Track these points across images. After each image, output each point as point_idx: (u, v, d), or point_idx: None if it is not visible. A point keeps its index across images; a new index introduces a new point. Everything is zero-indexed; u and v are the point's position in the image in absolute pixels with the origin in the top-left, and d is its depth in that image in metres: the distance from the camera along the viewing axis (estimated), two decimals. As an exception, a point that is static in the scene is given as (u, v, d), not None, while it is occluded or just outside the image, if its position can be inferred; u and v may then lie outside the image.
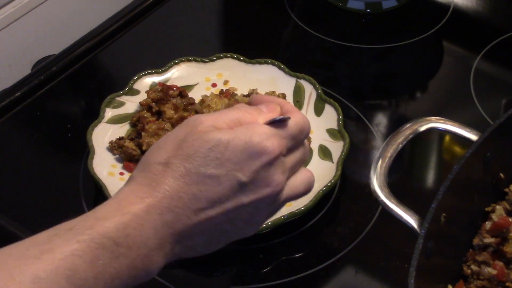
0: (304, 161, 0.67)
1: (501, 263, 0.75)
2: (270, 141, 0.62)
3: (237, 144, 0.61)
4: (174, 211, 0.60)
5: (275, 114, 0.65)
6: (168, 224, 0.60)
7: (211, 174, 0.60)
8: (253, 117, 0.64)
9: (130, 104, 1.00)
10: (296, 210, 0.87)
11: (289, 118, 0.64)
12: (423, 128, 0.82)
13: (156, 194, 0.60)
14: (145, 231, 0.59)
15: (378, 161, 0.79)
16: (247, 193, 0.61)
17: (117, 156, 0.94)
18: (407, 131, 0.81)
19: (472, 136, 0.80)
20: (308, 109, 1.00)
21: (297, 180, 0.66)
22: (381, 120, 1.04)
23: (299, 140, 0.65)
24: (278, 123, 0.63)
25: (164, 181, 0.60)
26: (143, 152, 0.93)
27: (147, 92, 0.99)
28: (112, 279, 0.57)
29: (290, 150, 0.64)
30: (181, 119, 0.95)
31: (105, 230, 0.57)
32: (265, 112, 0.65)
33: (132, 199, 0.60)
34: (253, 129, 0.62)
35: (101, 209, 0.59)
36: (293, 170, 0.65)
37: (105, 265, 0.57)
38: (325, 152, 0.95)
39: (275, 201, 0.64)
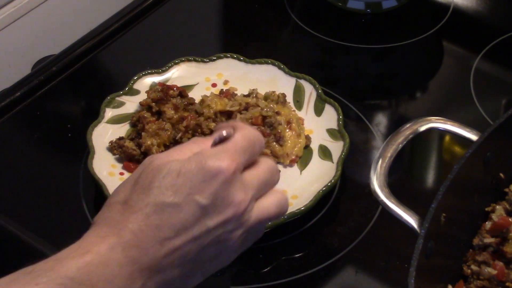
0: (273, 180, 0.65)
1: (501, 263, 0.75)
2: (221, 159, 0.61)
3: (190, 168, 0.60)
4: (139, 245, 0.59)
5: (220, 134, 0.64)
6: (134, 259, 0.58)
7: (170, 202, 0.59)
8: (204, 144, 0.64)
9: (130, 104, 1.00)
10: (296, 210, 0.87)
11: (231, 133, 0.63)
12: (423, 128, 0.82)
13: (118, 231, 0.59)
14: (109, 268, 0.58)
15: (378, 161, 0.79)
16: (210, 215, 0.60)
17: (117, 156, 0.94)
18: (407, 131, 0.81)
19: (472, 136, 0.80)
20: (308, 109, 1.00)
21: (267, 201, 0.64)
22: (381, 120, 1.04)
23: (253, 153, 0.64)
24: (223, 141, 0.63)
25: (125, 218, 0.59)
26: (143, 152, 0.93)
27: (147, 92, 0.99)
28: None
29: (247, 166, 0.63)
30: (181, 119, 0.95)
31: (66, 270, 0.56)
32: (214, 136, 0.64)
33: (93, 239, 0.59)
34: (202, 153, 0.61)
35: (63, 252, 0.58)
36: (259, 189, 0.63)
37: None
38: (325, 152, 0.95)
39: (244, 222, 0.62)
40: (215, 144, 0.63)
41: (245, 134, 0.63)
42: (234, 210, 0.61)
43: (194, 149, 0.63)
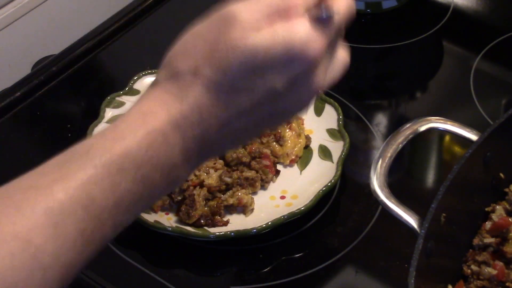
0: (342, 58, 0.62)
1: (501, 263, 0.75)
2: (313, 45, 0.54)
3: (276, 51, 0.54)
4: (203, 125, 0.55)
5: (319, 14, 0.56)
6: (197, 139, 0.55)
7: (246, 87, 0.54)
8: (292, 2, 0.56)
9: (130, 104, 0.99)
10: (296, 210, 0.87)
11: (334, 14, 0.57)
12: (423, 128, 0.82)
13: (185, 108, 0.54)
14: (171, 149, 0.54)
15: (378, 161, 0.79)
16: (278, 103, 0.56)
17: (117, 156, 0.94)
18: (407, 131, 0.81)
19: (472, 136, 0.80)
20: (308, 109, 1.00)
21: (335, 66, 0.61)
22: (381, 120, 1.04)
23: (342, 30, 0.59)
24: (323, 21, 0.56)
25: (193, 93, 0.54)
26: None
27: (147, 92, 0.99)
28: (134, 203, 0.53)
29: (331, 43, 0.59)
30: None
31: (125, 151, 0.53)
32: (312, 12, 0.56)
33: (159, 112, 0.54)
34: (293, 28, 0.54)
35: (122, 125, 0.54)
36: (332, 56, 0.59)
37: (127, 190, 0.52)
38: (325, 152, 0.95)
39: (309, 99, 0.58)
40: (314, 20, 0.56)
41: (343, 12, 0.58)
42: (306, 104, 0.58)
43: (281, 5, 0.55)
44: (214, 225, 0.88)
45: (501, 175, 0.81)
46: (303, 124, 0.99)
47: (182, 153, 0.55)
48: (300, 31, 0.54)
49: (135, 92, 1.01)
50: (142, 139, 0.53)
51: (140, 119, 0.54)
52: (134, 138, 0.53)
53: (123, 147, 0.52)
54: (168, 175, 0.55)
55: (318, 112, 0.99)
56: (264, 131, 0.61)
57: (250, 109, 0.55)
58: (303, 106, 0.58)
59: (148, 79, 1.02)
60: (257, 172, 0.92)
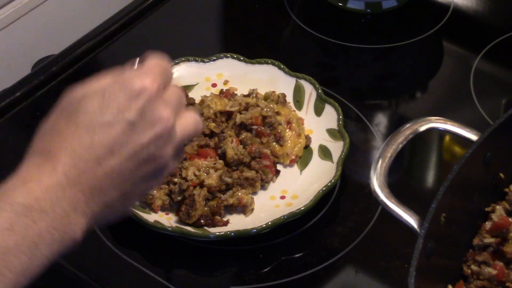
0: (183, 100, 0.67)
1: (501, 263, 0.75)
2: (144, 78, 0.62)
3: (114, 89, 0.62)
4: (76, 166, 0.60)
5: (133, 62, 0.67)
6: (75, 181, 0.60)
7: (100, 122, 0.61)
8: (120, 73, 0.65)
9: (130, 104, 1.00)
10: (296, 210, 0.87)
11: (143, 61, 0.66)
12: (423, 128, 0.82)
13: (53, 157, 0.60)
14: (54, 192, 0.59)
15: (378, 161, 0.79)
16: (141, 131, 0.62)
17: (117, 156, 0.94)
18: (407, 131, 0.81)
19: (472, 136, 0.80)
20: (308, 109, 1.00)
21: (185, 119, 0.66)
22: (381, 120, 1.04)
23: (167, 77, 0.65)
24: (139, 63, 0.66)
25: (57, 143, 0.61)
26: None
27: (147, 92, 0.99)
28: (35, 244, 0.57)
29: (164, 87, 0.65)
30: (181, 119, 0.95)
31: (12, 199, 0.57)
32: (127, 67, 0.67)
33: (31, 169, 0.60)
34: (123, 76, 0.63)
35: (3, 185, 0.60)
36: (177, 108, 0.65)
37: (24, 231, 0.56)
38: (325, 152, 0.95)
39: (172, 138, 0.64)
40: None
41: (157, 60, 0.66)
42: (163, 125, 0.63)
43: (112, 76, 0.64)
44: (214, 225, 0.88)
45: (501, 175, 0.81)
46: (303, 124, 0.99)
47: (65, 196, 0.59)
48: (128, 73, 0.64)
49: (135, 92, 1.01)
50: (23, 187, 0.59)
51: (18, 177, 0.60)
52: (16, 189, 0.59)
53: (8, 197, 0.58)
54: (61, 218, 0.59)
55: (318, 112, 0.99)
56: (147, 180, 0.64)
57: (115, 144, 0.61)
58: (165, 142, 0.63)
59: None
60: (257, 172, 0.92)
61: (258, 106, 0.96)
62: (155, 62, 0.65)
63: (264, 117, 0.95)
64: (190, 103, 0.98)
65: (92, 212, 0.61)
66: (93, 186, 0.60)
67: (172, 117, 0.63)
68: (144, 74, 0.63)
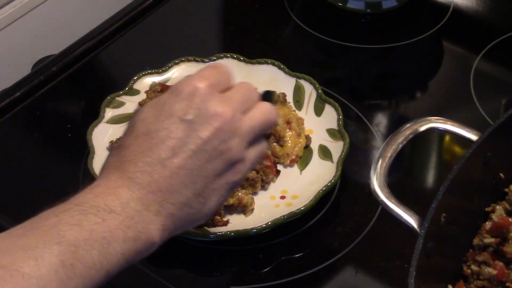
0: (251, 95, 0.68)
1: (501, 263, 0.75)
2: (193, 80, 0.64)
3: (165, 96, 0.65)
4: (141, 170, 0.61)
5: None
6: (142, 183, 0.61)
7: (156, 128, 0.63)
8: None
9: (130, 104, 1.00)
10: (296, 210, 0.87)
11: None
12: (423, 128, 0.82)
13: (118, 167, 0.62)
14: (121, 194, 0.60)
15: (378, 161, 0.79)
16: (199, 128, 0.63)
17: (117, 156, 0.94)
18: (407, 131, 0.81)
19: (472, 136, 0.80)
20: (308, 109, 1.00)
21: (254, 112, 0.67)
22: (381, 120, 1.04)
23: (224, 79, 0.67)
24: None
25: (121, 156, 0.63)
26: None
27: (146, 92, 0.99)
28: (107, 240, 0.58)
29: (220, 87, 0.66)
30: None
31: (80, 201, 0.59)
32: None
33: (99, 181, 0.62)
34: (174, 84, 0.66)
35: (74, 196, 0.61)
36: (242, 103, 0.66)
37: (92, 227, 0.58)
38: (325, 152, 0.95)
39: (236, 130, 0.64)
40: None
41: (211, 66, 0.68)
42: (221, 119, 0.64)
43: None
44: (214, 225, 0.88)
45: (501, 175, 0.81)
46: (303, 124, 0.99)
47: (133, 197, 0.61)
48: (184, 79, 0.66)
49: (135, 92, 1.01)
50: (91, 192, 0.61)
51: (87, 189, 0.62)
52: (85, 194, 0.61)
53: (76, 199, 0.61)
54: (132, 217, 0.60)
55: (318, 112, 0.99)
56: (221, 176, 0.65)
57: (176, 144, 0.62)
58: (231, 134, 0.64)
59: (148, 79, 1.02)
60: (257, 172, 0.92)
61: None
62: (207, 67, 0.67)
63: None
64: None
65: (168, 212, 0.62)
66: (163, 187, 0.61)
67: (229, 110, 0.64)
68: (191, 78, 0.65)
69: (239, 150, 0.65)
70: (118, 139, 0.94)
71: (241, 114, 0.66)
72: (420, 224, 0.72)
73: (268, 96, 0.70)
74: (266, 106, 0.68)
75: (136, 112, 0.66)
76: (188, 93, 0.64)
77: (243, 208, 0.90)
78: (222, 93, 0.66)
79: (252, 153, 0.67)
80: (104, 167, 0.64)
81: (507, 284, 0.74)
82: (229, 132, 0.64)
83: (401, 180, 0.96)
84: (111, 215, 0.59)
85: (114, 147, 0.66)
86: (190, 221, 0.65)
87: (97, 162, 0.91)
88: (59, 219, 0.58)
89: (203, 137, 0.63)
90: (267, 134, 0.70)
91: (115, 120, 0.98)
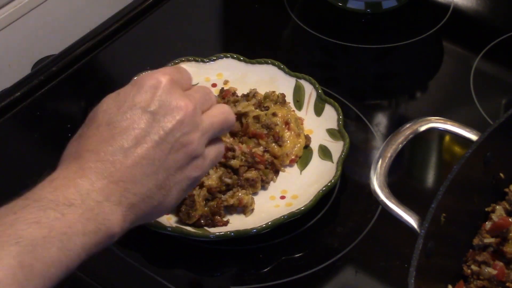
0: (210, 97, 0.69)
1: (501, 263, 0.75)
2: (156, 73, 0.66)
3: (128, 88, 0.65)
4: (102, 159, 0.61)
5: None
6: (103, 172, 0.61)
7: (118, 118, 0.63)
8: None
9: (130, 104, 1.00)
10: (296, 210, 0.87)
11: None
12: (423, 128, 0.82)
13: (78, 157, 0.62)
14: (81, 185, 0.60)
15: (378, 161, 0.79)
16: (161, 119, 0.64)
17: (117, 156, 0.94)
18: (407, 131, 0.81)
19: (472, 136, 0.80)
20: (308, 109, 1.00)
21: (213, 110, 0.68)
22: (381, 120, 1.04)
23: (184, 78, 0.68)
24: None
25: (81, 145, 0.63)
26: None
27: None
28: (67, 235, 0.57)
29: (182, 85, 0.67)
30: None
31: (39, 195, 0.59)
32: None
33: (58, 172, 0.62)
34: (137, 77, 0.67)
35: (32, 190, 0.60)
36: (201, 103, 0.67)
37: (51, 223, 0.57)
38: (325, 152, 0.95)
39: (198, 124, 0.65)
40: None
41: (172, 67, 0.71)
42: (183, 112, 0.64)
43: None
44: (214, 225, 0.88)
45: (501, 175, 0.81)
46: (302, 124, 0.99)
47: (94, 188, 0.60)
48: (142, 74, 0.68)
49: (135, 92, 1.01)
50: (50, 185, 0.60)
51: (45, 181, 0.61)
52: (44, 188, 0.60)
53: (34, 194, 0.60)
54: (92, 209, 0.59)
55: (318, 112, 0.99)
56: (183, 171, 0.66)
57: (139, 134, 0.63)
58: (192, 128, 0.65)
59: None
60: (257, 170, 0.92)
61: (252, 110, 0.96)
62: (169, 67, 0.69)
63: (258, 118, 0.95)
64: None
65: (129, 202, 0.61)
66: (124, 176, 0.61)
67: (191, 104, 0.65)
68: (154, 72, 0.66)
69: (200, 144, 0.66)
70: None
71: (201, 111, 0.67)
72: (420, 224, 0.72)
73: None
74: (224, 107, 0.70)
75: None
76: (151, 86, 0.64)
77: (243, 208, 0.90)
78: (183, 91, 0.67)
79: (212, 151, 0.68)
80: (64, 157, 0.63)
81: (507, 284, 0.74)
82: (190, 125, 0.65)
83: (401, 180, 0.96)
84: (71, 208, 0.58)
85: (72, 138, 0.65)
86: (152, 213, 0.65)
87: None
88: (17, 216, 0.57)
89: (165, 128, 0.63)
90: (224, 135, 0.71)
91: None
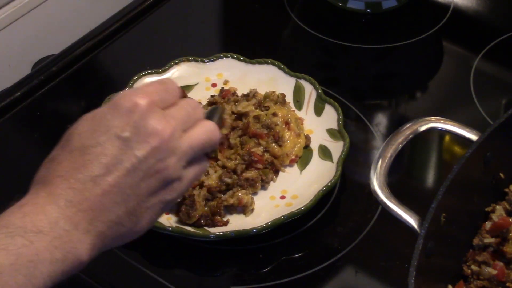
0: (194, 113, 0.66)
1: (501, 263, 0.75)
2: (134, 95, 0.62)
3: (103, 110, 0.63)
4: (72, 187, 0.59)
5: None
6: (72, 201, 0.59)
7: (91, 143, 0.61)
8: None
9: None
10: (296, 210, 0.87)
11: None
12: (423, 128, 0.82)
13: (48, 183, 0.60)
14: (50, 213, 0.58)
15: (378, 161, 0.79)
16: (135, 146, 0.61)
17: (117, 156, 0.94)
18: (407, 131, 0.81)
19: (472, 136, 0.80)
20: (308, 109, 1.00)
21: (195, 130, 0.65)
22: (381, 120, 1.04)
23: (167, 94, 0.65)
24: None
25: (52, 170, 0.61)
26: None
27: (147, 92, 0.99)
28: (33, 263, 0.56)
29: (167, 107, 0.64)
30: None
31: (7, 221, 0.57)
32: None
33: (28, 197, 0.60)
34: (114, 97, 0.64)
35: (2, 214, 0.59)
36: (183, 121, 0.64)
37: (19, 250, 0.56)
38: (325, 152, 0.95)
39: (174, 149, 0.63)
40: None
41: (158, 81, 0.66)
42: (159, 138, 0.62)
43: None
44: (214, 225, 0.88)
45: (501, 175, 0.81)
46: (302, 124, 0.99)
47: (63, 216, 0.59)
48: (120, 93, 0.64)
49: (135, 92, 1.01)
50: (19, 211, 0.59)
51: (15, 206, 0.60)
52: (12, 213, 0.59)
53: (4, 221, 0.58)
54: (60, 237, 0.58)
55: (318, 112, 0.99)
56: (157, 197, 0.64)
57: (110, 162, 0.60)
58: (168, 154, 0.62)
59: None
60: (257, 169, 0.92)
61: (253, 111, 0.96)
62: (150, 82, 0.65)
63: (258, 118, 0.95)
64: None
65: (98, 231, 0.60)
66: (93, 205, 0.60)
67: (168, 128, 0.62)
68: (134, 92, 0.63)
69: (176, 169, 0.63)
70: None
71: (182, 132, 0.64)
72: (420, 224, 0.72)
73: (213, 113, 0.68)
74: (208, 125, 0.66)
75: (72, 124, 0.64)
76: (127, 109, 0.62)
77: (243, 208, 0.90)
78: (165, 109, 0.64)
79: (191, 172, 0.65)
80: (35, 182, 0.62)
81: (507, 284, 0.74)
82: (166, 151, 0.62)
83: (401, 180, 0.96)
84: (39, 236, 0.57)
85: (46, 160, 0.63)
86: (121, 239, 0.63)
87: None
88: None
89: (138, 156, 0.61)
90: (210, 152, 0.68)
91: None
